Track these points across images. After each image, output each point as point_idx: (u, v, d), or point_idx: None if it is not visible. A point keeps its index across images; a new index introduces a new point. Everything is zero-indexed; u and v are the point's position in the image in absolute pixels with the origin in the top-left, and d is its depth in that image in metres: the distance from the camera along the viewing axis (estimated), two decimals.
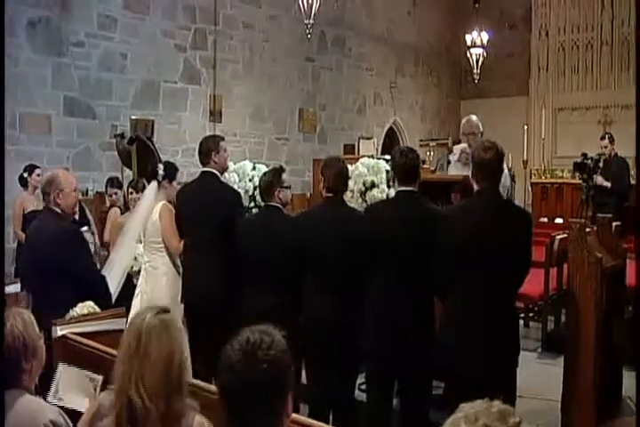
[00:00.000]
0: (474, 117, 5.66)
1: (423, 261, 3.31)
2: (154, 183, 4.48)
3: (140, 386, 1.84)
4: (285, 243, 3.72)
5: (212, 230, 4.11)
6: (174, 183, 4.46)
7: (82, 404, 2.72)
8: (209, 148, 4.30)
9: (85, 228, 5.36)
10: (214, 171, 4.29)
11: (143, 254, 4.47)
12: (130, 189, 5.43)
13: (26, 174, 6.21)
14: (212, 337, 4.08)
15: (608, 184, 7.86)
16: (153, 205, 4.38)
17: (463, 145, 5.61)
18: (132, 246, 4.57)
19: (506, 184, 4.76)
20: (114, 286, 4.09)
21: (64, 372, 2.95)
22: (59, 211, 3.65)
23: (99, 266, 4.32)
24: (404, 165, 3.41)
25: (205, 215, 4.15)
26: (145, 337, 1.89)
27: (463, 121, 5.70)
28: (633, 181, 8.57)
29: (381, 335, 3.35)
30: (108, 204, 6.08)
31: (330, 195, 3.68)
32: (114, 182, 6.23)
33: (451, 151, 5.98)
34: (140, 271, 4.56)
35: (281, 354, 1.64)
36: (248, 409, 1.62)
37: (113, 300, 3.93)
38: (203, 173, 4.34)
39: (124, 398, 1.85)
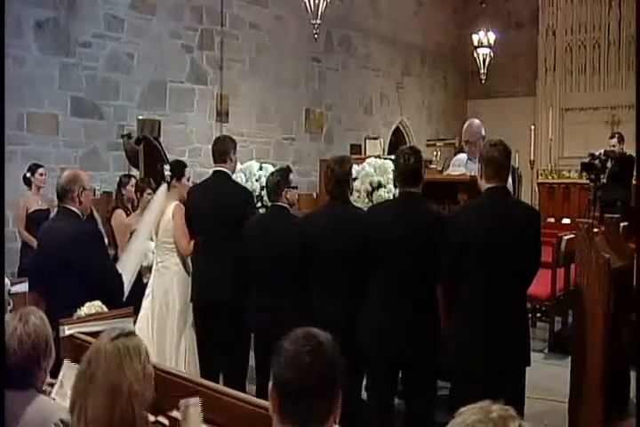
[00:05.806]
0: (475, 122, 4.98)
1: (425, 261, 3.30)
2: (164, 185, 4.48)
3: (81, 417, 1.69)
4: (291, 243, 3.72)
5: (225, 229, 4.11)
6: (183, 180, 4.44)
7: None
8: (226, 147, 4.31)
9: None
10: (227, 170, 4.31)
11: (155, 255, 4.47)
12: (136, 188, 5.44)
13: (29, 174, 6.16)
14: (221, 336, 4.09)
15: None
16: (163, 207, 4.38)
17: (462, 155, 5.01)
18: (143, 247, 4.58)
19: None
20: (125, 286, 4.09)
21: (69, 369, 2.95)
22: (76, 210, 3.57)
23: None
24: (405, 169, 3.39)
25: (218, 214, 4.15)
26: (93, 363, 1.75)
27: (465, 126, 5.02)
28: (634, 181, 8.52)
29: (379, 337, 3.34)
30: (125, 195, 5.98)
31: (333, 195, 3.69)
32: (128, 178, 6.20)
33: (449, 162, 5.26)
34: (149, 267, 4.55)
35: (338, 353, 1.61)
36: (311, 408, 1.56)
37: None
38: (215, 172, 4.34)
39: None
